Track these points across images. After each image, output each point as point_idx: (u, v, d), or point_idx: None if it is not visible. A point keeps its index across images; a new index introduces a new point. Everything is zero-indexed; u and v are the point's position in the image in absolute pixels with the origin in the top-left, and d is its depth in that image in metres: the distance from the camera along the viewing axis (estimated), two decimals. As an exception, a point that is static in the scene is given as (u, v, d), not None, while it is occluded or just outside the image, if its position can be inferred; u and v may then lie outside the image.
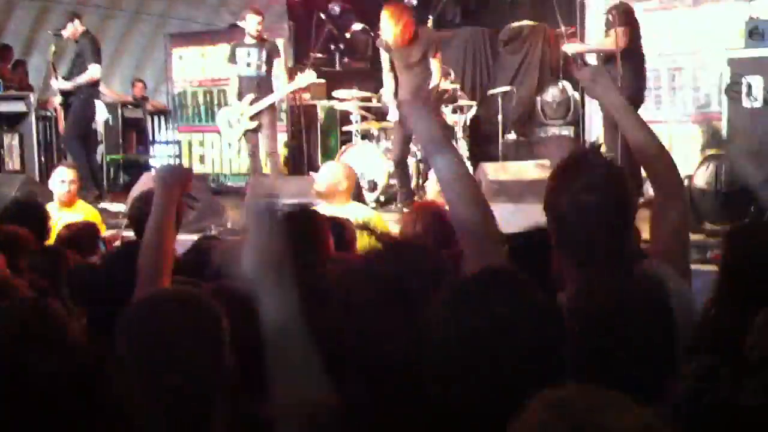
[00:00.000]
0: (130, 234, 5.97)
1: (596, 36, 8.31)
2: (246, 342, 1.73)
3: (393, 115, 7.10)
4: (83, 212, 5.84)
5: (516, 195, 5.71)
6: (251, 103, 7.97)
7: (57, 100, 8.52)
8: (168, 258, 2.44)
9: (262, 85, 7.99)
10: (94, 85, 8.33)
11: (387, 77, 7.05)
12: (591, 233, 1.98)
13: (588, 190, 1.98)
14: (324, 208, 4.93)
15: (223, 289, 2.19)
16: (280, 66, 8.15)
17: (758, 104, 5.86)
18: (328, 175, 5.27)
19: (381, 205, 7.73)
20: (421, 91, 6.79)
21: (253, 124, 7.98)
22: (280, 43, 9.83)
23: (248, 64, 8.03)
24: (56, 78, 8.37)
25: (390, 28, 6.73)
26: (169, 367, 1.72)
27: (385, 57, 7.01)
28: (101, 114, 8.70)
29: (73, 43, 8.41)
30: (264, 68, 8.02)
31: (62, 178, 5.91)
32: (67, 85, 8.21)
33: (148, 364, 1.74)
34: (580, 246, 2.00)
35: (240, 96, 8.06)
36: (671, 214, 2.21)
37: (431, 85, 6.76)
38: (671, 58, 8.30)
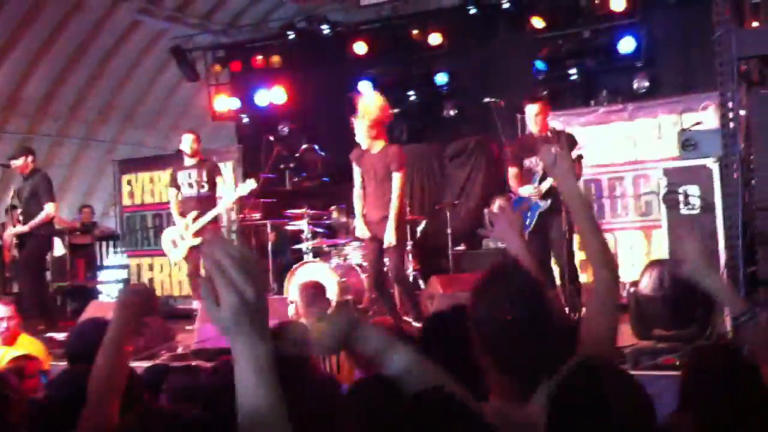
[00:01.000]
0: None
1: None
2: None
3: (361, 231, 7.06)
4: (26, 347, 5.64)
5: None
6: (194, 220, 8.04)
7: (10, 240, 8.40)
8: (120, 381, 2.37)
9: (203, 202, 8.09)
10: (49, 222, 8.32)
11: (357, 193, 7.05)
12: (509, 345, 2.02)
13: (505, 304, 2.02)
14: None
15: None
16: (222, 185, 8.24)
17: (696, 211, 6.02)
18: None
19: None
20: (385, 207, 6.80)
21: (197, 241, 8.00)
22: (229, 165, 9.97)
23: (190, 185, 8.17)
24: (12, 219, 8.28)
25: (362, 126, 6.80)
26: None
27: (356, 171, 7.04)
28: (57, 249, 8.69)
29: (21, 176, 8.39)
30: (206, 187, 8.14)
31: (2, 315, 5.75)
32: (25, 228, 8.17)
33: None
34: (499, 355, 2.02)
35: (183, 215, 8.15)
36: (601, 321, 2.26)
37: (393, 199, 6.77)
38: (612, 168, 8.58)
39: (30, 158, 8.32)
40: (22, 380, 3.91)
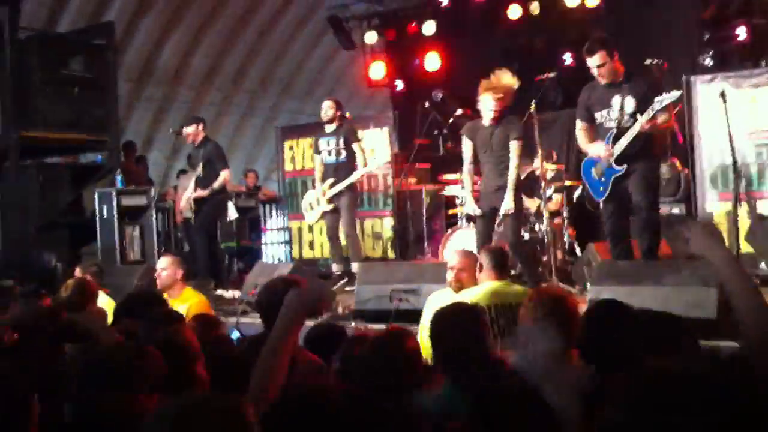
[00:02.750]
0: (247, 320, 6.23)
1: (705, 115, 8.18)
2: None
3: (472, 208, 7.02)
4: (188, 300, 6.03)
5: (627, 276, 5.53)
6: (330, 187, 8.27)
7: (185, 205, 8.87)
8: (278, 378, 2.40)
9: (341, 169, 8.28)
10: (224, 188, 8.72)
11: (467, 169, 7.05)
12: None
13: None
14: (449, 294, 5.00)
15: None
16: (358, 149, 8.35)
17: None
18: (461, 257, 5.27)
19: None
20: (501, 176, 6.76)
21: (330, 207, 8.26)
22: (385, 131, 10.13)
23: (329, 152, 8.38)
24: (194, 189, 8.73)
25: (490, 97, 6.75)
26: None
27: (467, 145, 7.03)
28: (232, 213, 9.14)
29: (194, 144, 8.80)
30: (343, 153, 8.31)
31: (160, 266, 6.23)
32: (204, 193, 8.58)
33: None
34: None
35: (322, 180, 8.41)
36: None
37: (512, 168, 6.71)
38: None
39: (201, 126, 8.70)
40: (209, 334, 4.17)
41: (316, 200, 8.49)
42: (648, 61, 9.30)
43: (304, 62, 14.26)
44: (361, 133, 8.85)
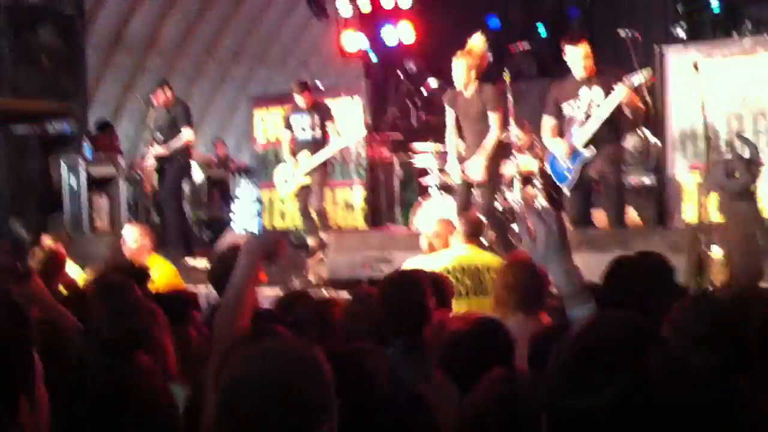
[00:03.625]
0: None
1: (676, 86, 8.20)
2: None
3: (456, 175, 6.98)
4: (157, 267, 5.95)
5: (599, 245, 5.57)
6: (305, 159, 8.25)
7: (151, 165, 8.77)
8: (243, 321, 2.41)
9: (316, 146, 8.27)
10: (187, 148, 8.60)
11: (451, 134, 7.02)
12: None
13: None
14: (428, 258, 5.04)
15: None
16: (333, 130, 8.36)
17: None
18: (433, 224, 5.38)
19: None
20: (484, 145, 6.73)
21: (307, 180, 8.27)
22: (357, 100, 10.07)
23: (303, 129, 8.36)
24: (152, 145, 8.64)
25: (462, 65, 6.70)
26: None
27: (450, 113, 7.01)
28: (197, 175, 9.03)
29: (163, 109, 8.68)
30: (318, 131, 8.30)
31: (127, 235, 6.22)
32: (164, 151, 8.48)
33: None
34: None
35: (293, 153, 8.39)
36: None
37: (489, 138, 6.69)
38: (758, 103, 8.13)
39: (168, 90, 8.59)
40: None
41: (291, 174, 8.43)
42: (621, 32, 9.29)
43: (277, 32, 14.11)
44: (333, 111, 8.76)
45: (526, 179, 8.15)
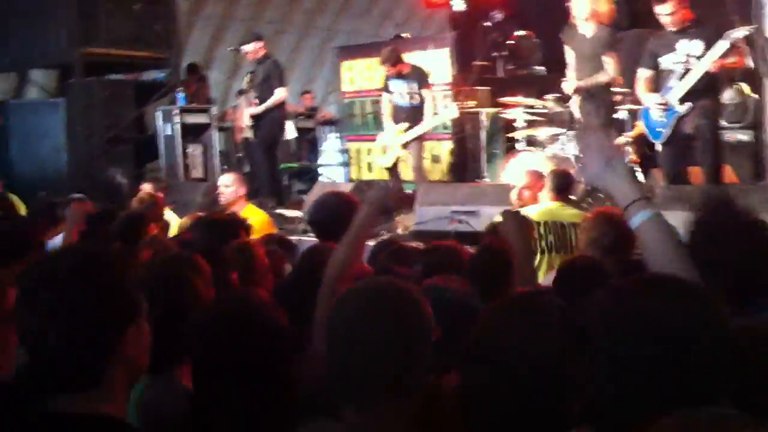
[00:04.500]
0: (309, 238, 6.34)
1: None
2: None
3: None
4: (251, 217, 6.09)
5: (693, 202, 5.48)
6: (405, 131, 8.28)
7: (246, 121, 8.87)
8: (354, 268, 2.56)
9: (414, 113, 8.28)
10: (281, 106, 8.68)
11: (570, 75, 6.97)
12: None
13: None
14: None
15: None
16: (429, 96, 8.34)
17: None
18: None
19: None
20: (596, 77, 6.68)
21: (404, 152, 8.37)
22: (444, 53, 10.01)
23: (401, 95, 8.37)
24: (243, 99, 8.76)
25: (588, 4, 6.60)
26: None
27: (568, 53, 6.93)
28: (290, 133, 9.16)
29: (255, 62, 8.78)
30: (417, 98, 8.30)
31: (222, 183, 6.36)
32: (259, 110, 8.58)
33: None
34: None
35: (395, 122, 8.40)
36: None
37: (600, 76, 6.63)
38: None
39: (260, 44, 8.66)
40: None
41: (390, 144, 8.48)
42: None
43: (362, -20, 14.09)
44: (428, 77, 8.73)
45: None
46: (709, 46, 5.84)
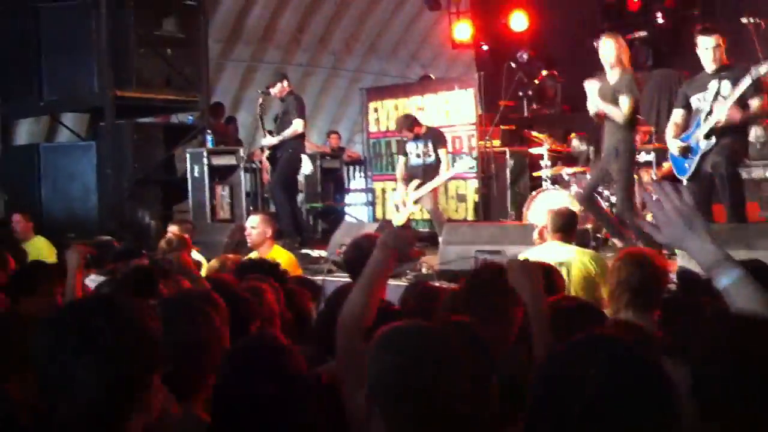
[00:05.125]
0: (333, 278, 6.37)
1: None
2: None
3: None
4: (278, 258, 6.10)
5: (718, 241, 5.44)
6: (416, 188, 8.42)
7: (264, 153, 9.04)
8: (371, 311, 2.50)
9: (427, 171, 8.44)
10: (299, 138, 8.78)
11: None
12: None
13: None
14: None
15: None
16: (444, 155, 8.48)
17: None
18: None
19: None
20: (612, 135, 6.68)
21: (417, 208, 8.54)
22: (470, 93, 10.10)
23: (417, 155, 8.54)
24: (264, 134, 8.91)
25: (614, 51, 6.60)
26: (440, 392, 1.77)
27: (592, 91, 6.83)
28: (306, 167, 9.25)
29: (278, 100, 8.94)
30: (432, 157, 8.46)
31: (250, 225, 6.38)
32: (274, 141, 8.70)
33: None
34: None
35: (406, 182, 8.57)
36: None
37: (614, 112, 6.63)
38: None
39: (285, 82, 8.79)
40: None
41: (402, 202, 8.64)
42: (744, 20, 8.98)
43: (389, 22, 14.25)
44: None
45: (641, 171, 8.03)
46: (736, 84, 5.85)
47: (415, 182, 8.45)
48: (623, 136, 6.66)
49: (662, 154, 8.53)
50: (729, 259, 1.87)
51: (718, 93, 5.93)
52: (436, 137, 8.58)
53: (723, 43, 5.98)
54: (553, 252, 5.00)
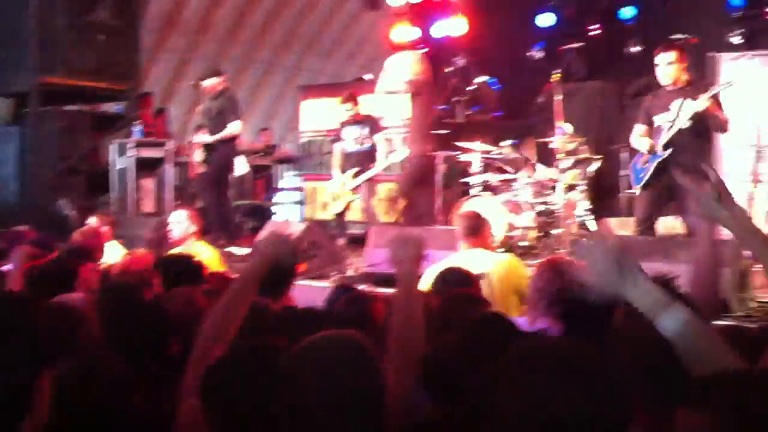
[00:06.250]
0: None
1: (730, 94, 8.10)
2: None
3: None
4: (201, 255, 5.97)
5: (640, 253, 5.51)
6: (354, 176, 8.48)
7: (198, 154, 8.82)
8: (232, 329, 2.34)
9: (364, 158, 8.52)
10: (233, 140, 8.63)
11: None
12: None
13: None
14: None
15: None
16: (381, 141, 8.57)
17: None
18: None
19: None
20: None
21: (356, 197, 8.57)
22: (404, 95, 10.08)
23: (355, 139, 8.59)
24: (198, 133, 8.75)
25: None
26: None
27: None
28: (240, 168, 9.13)
29: (211, 96, 8.73)
30: (367, 143, 8.54)
31: (173, 219, 6.25)
32: (210, 140, 8.53)
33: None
34: None
35: (343, 169, 8.58)
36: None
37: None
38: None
39: (220, 78, 8.64)
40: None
41: (339, 192, 8.64)
42: (675, 37, 9.17)
43: (328, 21, 14.16)
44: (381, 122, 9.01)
45: (570, 185, 8.10)
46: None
47: (352, 171, 8.50)
48: None
49: (590, 163, 8.64)
50: (673, 302, 1.76)
51: (680, 110, 5.91)
52: (374, 124, 8.69)
53: (684, 60, 6.01)
54: (473, 261, 4.93)
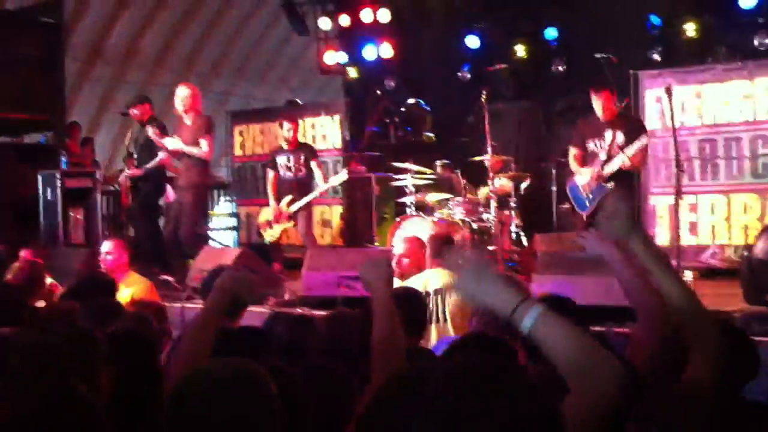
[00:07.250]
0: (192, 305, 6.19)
1: (651, 110, 8.40)
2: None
3: None
4: (133, 285, 5.97)
5: (570, 267, 5.64)
6: (288, 204, 8.43)
7: (126, 183, 8.74)
8: (201, 360, 2.34)
9: (300, 185, 8.49)
10: (163, 167, 8.57)
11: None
12: None
13: None
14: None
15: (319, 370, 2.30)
16: (316, 167, 8.57)
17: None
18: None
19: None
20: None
21: (291, 224, 8.52)
22: (337, 119, 10.12)
23: (288, 168, 8.55)
24: (128, 162, 8.63)
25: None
26: None
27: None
28: (171, 195, 9.03)
29: (138, 125, 8.65)
30: (303, 171, 8.52)
31: (104, 250, 6.21)
32: (139, 173, 8.47)
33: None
34: None
35: (279, 198, 8.53)
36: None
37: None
38: (728, 129, 8.28)
39: (147, 106, 8.58)
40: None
41: (274, 219, 8.55)
42: (598, 55, 9.42)
43: (257, 46, 14.14)
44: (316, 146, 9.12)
45: (502, 200, 8.22)
46: (630, 138, 6.73)
47: (288, 198, 8.43)
48: None
49: (521, 180, 8.78)
50: (526, 299, 1.76)
51: (613, 141, 6.78)
52: (308, 151, 8.64)
53: (612, 100, 6.92)
54: (430, 279, 4.98)
